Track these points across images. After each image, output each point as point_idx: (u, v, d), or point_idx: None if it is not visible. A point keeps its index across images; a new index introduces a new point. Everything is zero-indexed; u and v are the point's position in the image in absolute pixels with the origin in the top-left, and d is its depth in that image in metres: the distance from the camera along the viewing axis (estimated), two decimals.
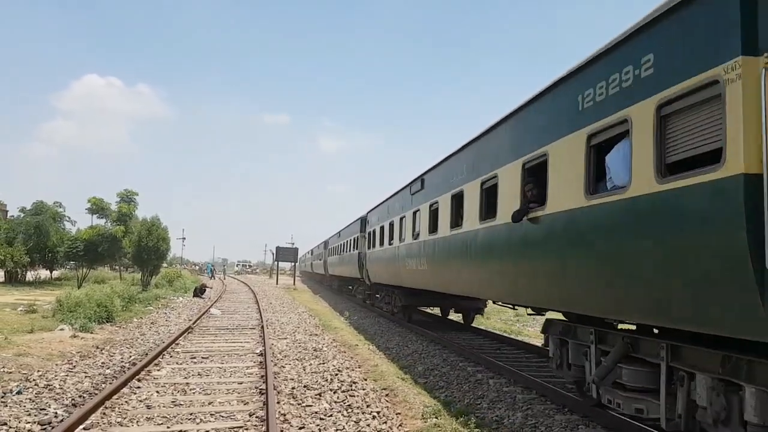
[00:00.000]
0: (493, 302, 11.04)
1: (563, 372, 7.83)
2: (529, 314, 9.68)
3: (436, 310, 21.32)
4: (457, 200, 11.18)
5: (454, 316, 19.98)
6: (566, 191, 6.63)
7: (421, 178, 14.35)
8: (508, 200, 8.31)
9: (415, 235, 14.46)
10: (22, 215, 45.03)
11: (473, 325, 18.07)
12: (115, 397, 7.92)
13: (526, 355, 12.54)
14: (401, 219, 16.42)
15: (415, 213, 14.79)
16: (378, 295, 23.65)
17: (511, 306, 10.32)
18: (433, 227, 12.76)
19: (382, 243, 19.61)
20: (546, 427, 7.10)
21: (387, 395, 8.65)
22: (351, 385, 9.09)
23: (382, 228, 19.78)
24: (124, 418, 6.97)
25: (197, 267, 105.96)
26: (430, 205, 13.12)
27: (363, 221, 24.95)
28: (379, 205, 21.22)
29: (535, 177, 7.64)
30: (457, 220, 11.16)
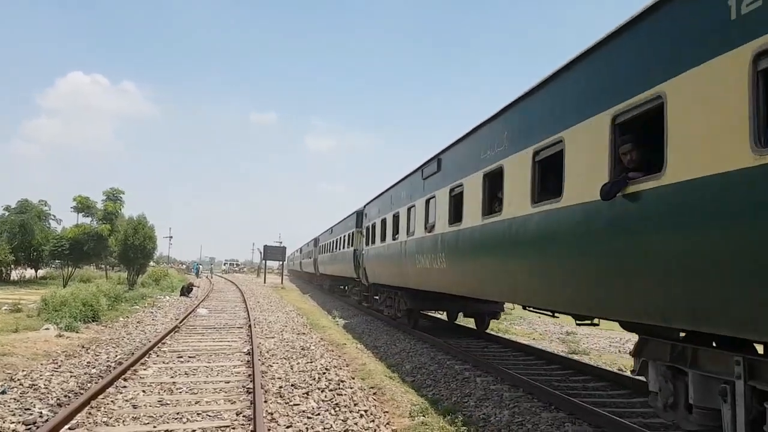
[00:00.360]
0: (523, 307, 8.79)
1: (677, 415, 5.52)
2: (578, 324, 8.04)
3: (439, 314, 19.90)
4: (493, 180, 9.14)
5: (456, 320, 18.23)
6: (707, 148, 4.50)
7: (437, 158, 12.18)
8: (584, 172, 6.28)
9: (429, 227, 12.25)
10: (7, 213, 44.63)
11: (457, 323, 17.71)
12: (100, 396, 7.86)
13: (513, 353, 12.61)
14: (409, 209, 14.24)
15: (428, 201, 12.57)
16: (377, 297, 21.24)
17: (550, 313, 8.40)
18: (456, 216, 10.68)
19: (383, 238, 17.35)
20: (533, 425, 7.14)
21: (375, 394, 8.67)
22: (339, 384, 9.09)
23: (383, 221, 17.54)
24: (110, 418, 6.92)
25: (184, 266, 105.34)
26: (451, 190, 11.01)
27: (359, 215, 23.07)
28: (379, 195, 18.89)
29: (637, 134, 5.72)
30: (491, 205, 9.16)
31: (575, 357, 12.49)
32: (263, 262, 62.66)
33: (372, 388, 9.02)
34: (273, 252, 55.68)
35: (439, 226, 11.56)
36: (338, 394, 8.44)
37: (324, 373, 9.92)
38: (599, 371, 10.36)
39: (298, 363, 10.93)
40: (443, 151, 11.91)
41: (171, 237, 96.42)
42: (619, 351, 13.98)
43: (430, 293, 13.48)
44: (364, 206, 21.82)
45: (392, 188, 16.78)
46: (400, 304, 17.08)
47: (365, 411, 7.54)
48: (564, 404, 7.81)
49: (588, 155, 6.27)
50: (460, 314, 17.26)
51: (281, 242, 75.49)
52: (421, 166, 13.41)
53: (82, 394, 7.93)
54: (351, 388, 8.88)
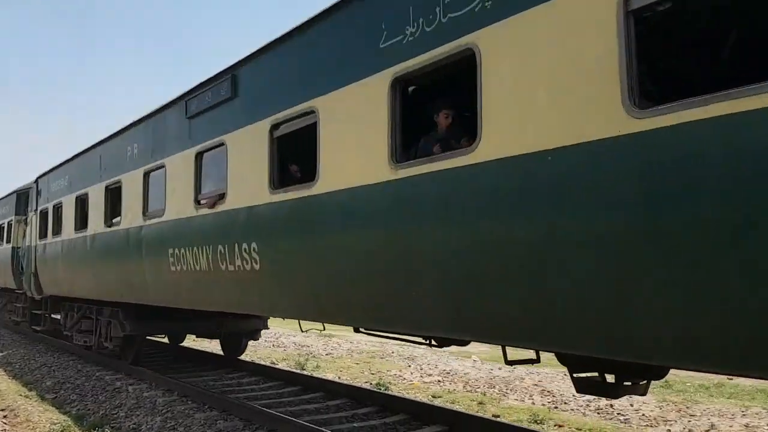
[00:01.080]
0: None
1: None
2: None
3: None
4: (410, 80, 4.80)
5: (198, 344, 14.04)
6: None
7: (230, 75, 6.97)
8: None
9: (210, 200, 7.15)
10: None
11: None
12: None
13: (164, 359, 12.40)
14: (147, 175, 8.86)
15: (200, 155, 7.49)
16: (60, 317, 13.60)
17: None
18: (285, 175, 6.46)
19: (82, 226, 11.13)
20: (185, 427, 7.26)
21: (5, 416, 7.75)
22: None
23: (81, 199, 11.28)
24: None
25: None
26: (274, 127, 6.07)
27: (23, 196, 16.03)
28: (73, 158, 12.14)
29: None
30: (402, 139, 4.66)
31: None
32: None
33: (2, 410, 8.00)
34: None
35: (242, 195, 6.60)
36: None
37: None
38: (253, 366, 11.03)
39: None
40: (247, 59, 6.78)
41: None
42: (273, 345, 15.00)
43: (167, 309, 9.15)
44: (36, 180, 14.55)
45: (104, 143, 10.63)
46: (111, 328, 10.73)
47: None
48: (217, 402, 8.12)
49: None
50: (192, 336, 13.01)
51: None
52: (183, 96, 7.98)
53: None
54: None
